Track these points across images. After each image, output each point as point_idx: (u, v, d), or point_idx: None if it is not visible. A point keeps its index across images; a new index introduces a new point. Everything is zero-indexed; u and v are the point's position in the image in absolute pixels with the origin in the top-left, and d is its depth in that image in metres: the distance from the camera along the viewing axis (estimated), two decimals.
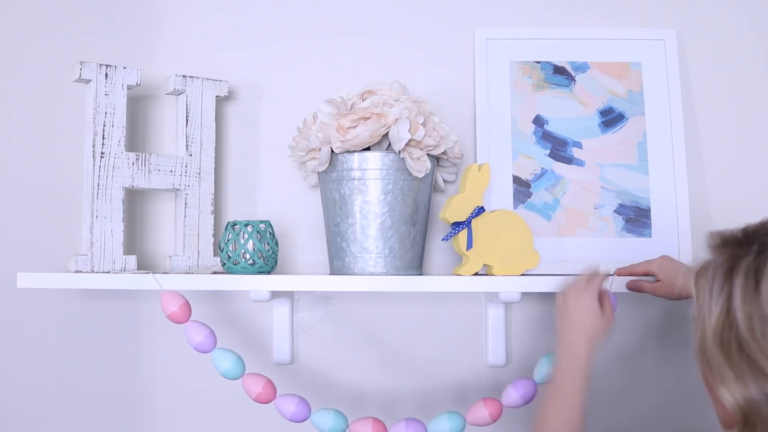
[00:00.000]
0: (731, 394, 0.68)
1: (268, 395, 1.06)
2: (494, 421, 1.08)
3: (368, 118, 1.09)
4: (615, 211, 1.25)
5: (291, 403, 1.06)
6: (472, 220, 1.13)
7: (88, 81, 1.15)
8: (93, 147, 1.15)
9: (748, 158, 1.30)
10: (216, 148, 1.24)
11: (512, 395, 1.08)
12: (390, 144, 1.12)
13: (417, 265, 1.17)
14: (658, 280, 1.08)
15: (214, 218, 1.23)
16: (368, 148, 1.13)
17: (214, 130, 1.24)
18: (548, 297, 1.27)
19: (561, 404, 0.92)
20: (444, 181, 1.26)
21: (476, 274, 1.15)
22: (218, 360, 1.06)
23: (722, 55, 1.32)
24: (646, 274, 1.10)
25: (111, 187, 1.15)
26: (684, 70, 1.31)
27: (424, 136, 1.10)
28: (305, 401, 1.07)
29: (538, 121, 1.27)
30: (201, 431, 1.28)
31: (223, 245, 1.13)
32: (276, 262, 1.15)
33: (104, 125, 1.16)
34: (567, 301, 1.00)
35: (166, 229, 1.28)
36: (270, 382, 1.07)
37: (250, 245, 1.11)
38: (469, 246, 1.13)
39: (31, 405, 1.28)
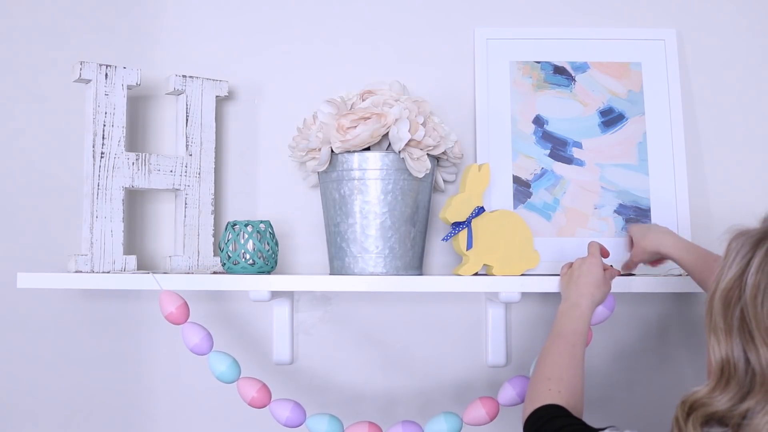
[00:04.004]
0: (718, 346, 0.73)
1: (263, 400, 1.05)
2: (492, 419, 1.08)
3: (368, 118, 1.09)
4: (615, 211, 1.25)
5: (286, 408, 1.06)
6: (472, 220, 1.13)
7: (88, 81, 1.15)
8: (93, 147, 1.15)
9: (748, 158, 1.30)
10: (216, 148, 1.24)
11: (509, 393, 1.08)
12: (390, 144, 1.12)
13: (417, 265, 1.17)
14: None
15: (214, 218, 1.23)
16: (368, 148, 1.13)
17: (214, 130, 1.24)
18: (548, 297, 1.28)
19: (563, 342, 0.95)
20: (444, 181, 1.26)
21: (476, 274, 1.15)
22: (214, 363, 1.06)
23: (722, 55, 1.32)
24: (641, 258, 1.14)
25: (111, 187, 1.15)
26: (684, 70, 1.31)
27: (424, 136, 1.10)
28: (300, 406, 1.07)
29: (538, 121, 1.27)
30: (201, 431, 1.28)
31: (223, 245, 1.13)
32: (276, 262, 1.15)
33: (104, 125, 1.15)
34: (574, 265, 1.06)
35: (166, 229, 1.28)
36: (265, 386, 1.06)
37: (250, 245, 1.11)
38: (469, 246, 1.13)
39: (32, 404, 1.28)
